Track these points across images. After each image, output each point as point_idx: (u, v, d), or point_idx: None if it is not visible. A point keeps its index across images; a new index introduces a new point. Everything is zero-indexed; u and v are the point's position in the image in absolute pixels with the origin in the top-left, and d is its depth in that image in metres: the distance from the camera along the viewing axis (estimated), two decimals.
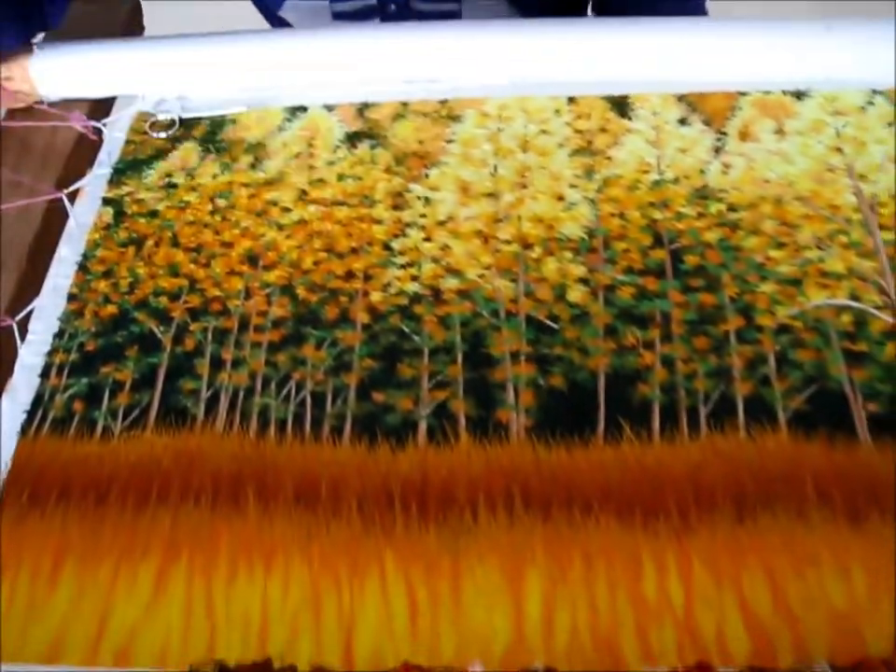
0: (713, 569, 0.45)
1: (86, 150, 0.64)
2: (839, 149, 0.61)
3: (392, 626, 0.43)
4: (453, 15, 0.71)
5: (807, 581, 0.44)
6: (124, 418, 0.51)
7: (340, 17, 0.75)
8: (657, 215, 0.57)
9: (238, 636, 0.43)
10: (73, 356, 0.53)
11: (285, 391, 0.51)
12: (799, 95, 0.64)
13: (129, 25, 0.72)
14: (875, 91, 0.63)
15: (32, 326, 0.55)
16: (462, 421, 0.49)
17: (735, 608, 0.44)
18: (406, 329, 0.53)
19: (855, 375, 0.51)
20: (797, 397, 0.50)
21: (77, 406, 0.51)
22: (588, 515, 0.46)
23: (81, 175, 0.63)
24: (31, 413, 0.51)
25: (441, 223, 0.57)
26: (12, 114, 0.65)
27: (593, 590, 0.44)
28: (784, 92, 0.64)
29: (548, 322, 0.53)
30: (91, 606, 0.44)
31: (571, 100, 0.64)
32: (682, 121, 0.62)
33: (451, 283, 0.55)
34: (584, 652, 0.42)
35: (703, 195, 0.58)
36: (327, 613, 0.44)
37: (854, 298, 0.54)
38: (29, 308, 0.55)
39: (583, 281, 0.54)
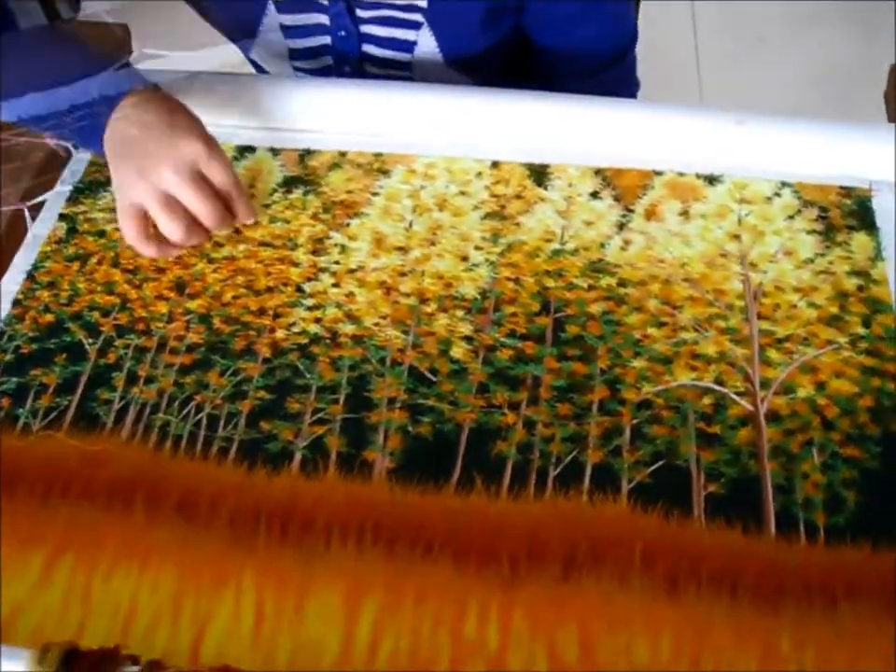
0: (531, 620, 0.49)
1: (55, 166, 0.71)
2: (737, 236, 0.65)
3: (238, 632, 0.49)
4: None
5: (617, 640, 0.49)
6: (43, 418, 0.57)
7: (298, 71, 0.81)
8: (550, 283, 0.62)
9: (104, 625, 0.50)
10: (9, 356, 0.60)
11: (186, 410, 0.57)
12: (711, 180, 0.68)
13: (119, 49, 0.79)
14: (783, 183, 0.67)
15: None
16: (333, 456, 0.55)
17: (544, 657, 0.49)
18: (301, 367, 0.59)
19: (703, 456, 0.55)
20: (643, 470, 0.54)
21: (4, 402, 0.58)
22: (428, 556, 0.52)
23: (49, 189, 0.70)
24: None
25: (352, 271, 0.63)
26: None
27: (419, 624, 0.49)
28: (698, 175, 0.68)
29: (427, 374, 0.58)
30: None
31: (495, 164, 0.69)
32: (594, 195, 0.67)
33: (348, 328, 0.60)
34: None
35: (597, 268, 0.63)
36: (184, 614, 0.50)
37: (719, 382, 0.58)
38: None
39: (468, 339, 0.60)
